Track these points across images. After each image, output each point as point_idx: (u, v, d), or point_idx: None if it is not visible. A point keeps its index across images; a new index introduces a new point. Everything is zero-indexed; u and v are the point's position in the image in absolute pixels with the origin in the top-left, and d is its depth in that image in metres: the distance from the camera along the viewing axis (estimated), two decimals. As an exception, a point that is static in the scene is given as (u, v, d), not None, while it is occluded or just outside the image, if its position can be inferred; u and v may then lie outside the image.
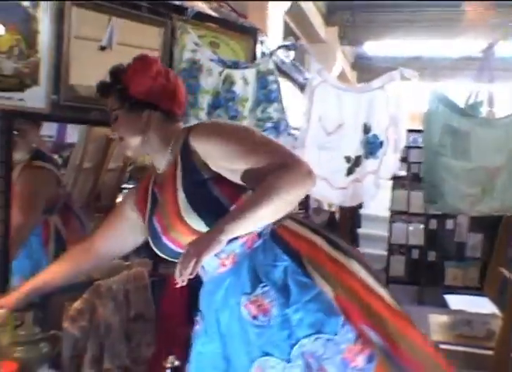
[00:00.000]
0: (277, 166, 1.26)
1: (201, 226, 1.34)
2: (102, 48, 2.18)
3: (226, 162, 1.33)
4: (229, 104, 2.31)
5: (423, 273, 5.00)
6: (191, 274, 1.22)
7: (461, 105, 2.64)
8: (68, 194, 2.64)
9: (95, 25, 2.13)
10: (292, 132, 2.50)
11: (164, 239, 1.45)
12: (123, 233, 1.64)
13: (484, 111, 2.77)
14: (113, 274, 2.16)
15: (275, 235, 1.39)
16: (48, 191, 2.46)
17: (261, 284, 1.33)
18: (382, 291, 1.37)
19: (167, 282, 2.28)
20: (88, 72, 2.14)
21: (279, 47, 2.46)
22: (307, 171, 1.27)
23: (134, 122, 1.45)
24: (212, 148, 1.35)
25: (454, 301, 2.87)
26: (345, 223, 4.16)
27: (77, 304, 1.99)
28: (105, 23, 2.13)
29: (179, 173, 1.40)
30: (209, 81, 2.29)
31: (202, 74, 2.28)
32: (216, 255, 1.31)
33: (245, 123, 2.34)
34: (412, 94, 2.50)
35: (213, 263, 1.38)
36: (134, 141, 1.47)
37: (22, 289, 1.63)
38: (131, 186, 3.81)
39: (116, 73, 1.50)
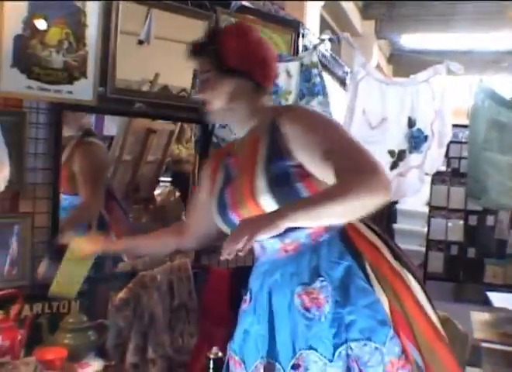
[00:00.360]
0: (361, 170, 1.22)
1: (273, 209, 1.30)
2: (140, 42, 2.21)
3: (312, 152, 1.30)
4: (272, 97, 2.31)
5: (462, 269, 4.93)
6: (239, 251, 1.17)
7: (508, 98, 2.59)
8: (109, 184, 2.70)
9: (141, 20, 2.16)
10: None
11: (231, 214, 1.41)
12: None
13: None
14: (157, 265, 2.19)
15: (343, 233, 1.36)
16: (106, 164, 2.59)
17: (320, 278, 1.31)
18: (429, 308, 1.35)
19: (210, 273, 2.32)
20: (132, 66, 2.18)
21: (322, 40, 2.44)
22: (386, 184, 1.22)
23: (224, 87, 1.41)
24: (303, 135, 1.32)
25: (497, 299, 2.81)
26: (381, 218, 4.12)
27: (122, 294, 2.02)
28: (142, 18, 2.16)
29: (262, 152, 1.36)
30: (253, 74, 2.29)
31: (245, 67, 2.28)
32: (279, 239, 1.31)
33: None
34: (456, 88, 2.46)
35: (275, 246, 1.36)
36: (219, 106, 1.42)
37: (116, 241, 1.72)
38: (168, 178, 3.90)
39: (213, 34, 1.46)
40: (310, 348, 1.28)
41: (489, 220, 4.73)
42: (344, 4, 6.67)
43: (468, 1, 6.88)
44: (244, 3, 2.81)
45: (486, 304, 3.00)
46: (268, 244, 1.37)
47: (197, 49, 1.44)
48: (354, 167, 1.23)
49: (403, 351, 1.28)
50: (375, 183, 1.20)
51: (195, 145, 2.48)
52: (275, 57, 1.48)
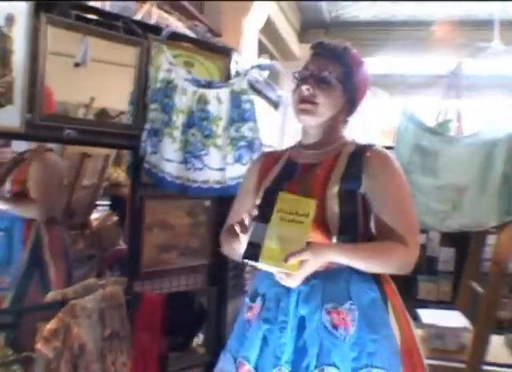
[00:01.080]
0: (406, 242, 1.37)
1: (332, 223, 1.40)
2: (77, 64, 2.19)
3: (384, 202, 1.43)
4: (203, 123, 2.34)
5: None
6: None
7: (431, 123, 2.71)
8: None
9: (71, 43, 2.14)
10: (266, 149, 2.53)
11: None
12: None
13: (453, 128, 2.84)
14: (88, 293, 2.16)
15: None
16: (60, 173, 2.77)
17: (350, 301, 1.38)
18: (419, 345, 1.49)
19: (142, 300, 2.29)
20: (64, 90, 2.16)
21: (252, 67, 2.49)
22: (415, 260, 1.41)
23: (339, 101, 1.49)
24: (380, 182, 1.44)
25: (427, 315, 2.91)
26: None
27: (50, 325, 1.97)
28: (79, 40, 2.14)
29: (340, 169, 1.45)
30: (184, 101, 2.31)
31: (176, 93, 2.30)
32: None
33: (219, 142, 2.36)
34: (383, 111, 2.56)
35: None
36: (325, 114, 1.49)
37: None
38: (105, 203, 3.83)
39: (348, 50, 1.51)
40: (333, 365, 1.33)
41: (421, 238, 4.86)
42: (281, 28, 6.81)
43: (400, 27, 7.21)
44: (177, 29, 2.84)
45: (419, 320, 3.09)
46: None
47: (338, 52, 1.48)
48: (407, 238, 1.37)
49: None
50: (412, 260, 1.40)
51: (127, 171, 2.46)
52: None
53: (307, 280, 1.38)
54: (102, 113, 2.35)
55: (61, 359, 1.97)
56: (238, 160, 2.35)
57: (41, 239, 2.60)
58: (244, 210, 1.49)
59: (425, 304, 4.49)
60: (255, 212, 1.35)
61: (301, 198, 1.34)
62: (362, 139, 2.52)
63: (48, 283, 2.58)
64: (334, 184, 1.42)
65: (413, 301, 4.85)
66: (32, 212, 2.58)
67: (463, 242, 4.68)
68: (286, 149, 1.66)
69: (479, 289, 2.72)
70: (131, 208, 2.37)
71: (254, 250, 1.27)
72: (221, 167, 2.37)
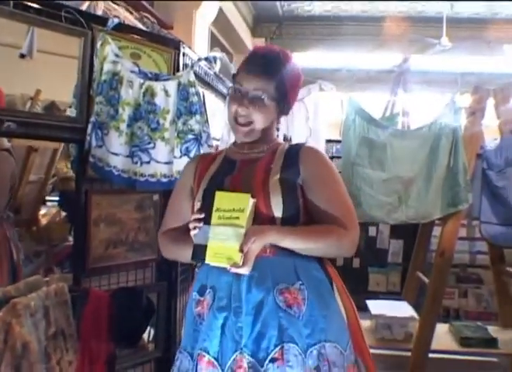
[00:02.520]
0: (348, 226, 1.45)
1: (276, 209, 1.45)
2: (22, 56, 2.12)
3: (320, 194, 1.50)
4: (150, 116, 2.30)
5: (348, 279, 5.11)
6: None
7: (378, 116, 2.75)
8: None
9: (14, 33, 2.07)
10: (214, 143, 2.52)
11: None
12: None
13: (399, 122, 2.89)
14: (31, 291, 2.09)
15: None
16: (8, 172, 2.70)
17: (300, 282, 1.45)
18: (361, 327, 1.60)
19: (89, 297, 2.24)
20: (15, 80, 2.10)
21: (199, 59, 2.46)
22: (356, 243, 1.49)
23: (272, 110, 1.56)
24: (315, 172, 1.52)
25: (375, 306, 2.96)
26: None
27: (-10, 325, 1.90)
28: (24, 30, 2.07)
29: (279, 161, 1.53)
30: (130, 93, 2.27)
31: (122, 85, 2.26)
32: None
33: (166, 135, 2.33)
34: (332, 104, 2.58)
35: None
36: (260, 129, 1.56)
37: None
38: (55, 198, 3.73)
39: (281, 65, 1.55)
40: (292, 341, 1.39)
41: (371, 231, 4.98)
42: (234, 22, 6.79)
43: (351, 22, 7.30)
44: (125, 20, 2.79)
45: (367, 311, 3.14)
46: None
47: (268, 71, 1.52)
48: (344, 221, 1.46)
49: (356, 360, 1.48)
50: (351, 241, 1.47)
51: (71, 165, 2.40)
52: None
53: (255, 266, 1.42)
54: (51, 106, 2.29)
55: (2, 360, 1.90)
56: (185, 153, 2.33)
57: (5, 231, 2.59)
58: (181, 212, 1.62)
59: (376, 296, 4.60)
60: (194, 213, 1.46)
61: (237, 194, 1.41)
62: (308, 132, 2.58)
63: (18, 273, 2.53)
64: (275, 173, 1.49)
65: (363, 292, 4.97)
66: None
67: (412, 234, 4.81)
68: (221, 151, 1.73)
69: (425, 279, 2.78)
70: (77, 203, 2.31)
71: (200, 251, 1.38)
72: (168, 160, 2.34)
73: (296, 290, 1.44)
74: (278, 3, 7.26)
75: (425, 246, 3.07)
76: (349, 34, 7.57)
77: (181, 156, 2.33)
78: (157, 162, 2.32)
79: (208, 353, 1.44)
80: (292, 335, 1.39)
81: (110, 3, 3.10)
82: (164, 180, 2.34)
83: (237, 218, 1.37)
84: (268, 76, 1.51)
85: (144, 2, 4.63)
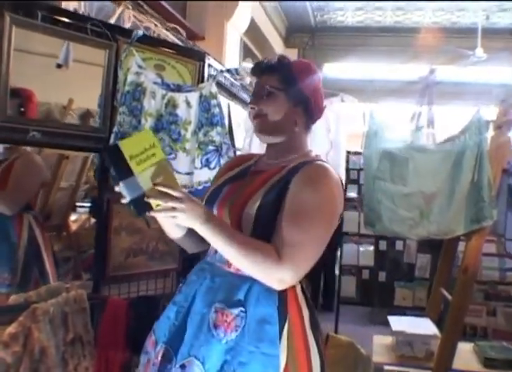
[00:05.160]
0: (281, 254, 1.30)
1: (246, 222, 1.39)
2: (59, 66, 2.18)
3: (286, 206, 1.37)
4: (171, 126, 2.33)
5: (374, 293, 5.06)
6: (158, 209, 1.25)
7: (403, 129, 2.71)
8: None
9: (39, 42, 2.12)
10: (238, 153, 2.53)
11: (215, 206, 1.49)
12: None
13: (424, 135, 2.84)
14: (52, 297, 2.13)
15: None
16: (39, 172, 2.76)
17: (241, 308, 1.36)
18: None
19: (107, 305, 2.27)
20: (40, 90, 2.15)
21: (221, 71, 2.49)
22: (284, 281, 1.31)
23: (284, 104, 1.49)
24: (296, 193, 1.38)
25: (397, 322, 2.91)
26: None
27: (11, 329, 1.94)
28: (47, 41, 2.12)
29: (272, 181, 1.44)
30: (153, 104, 2.30)
31: (145, 96, 2.29)
32: None
33: (188, 146, 2.35)
34: (355, 116, 2.56)
35: (224, 257, 1.40)
36: (275, 124, 1.49)
37: None
38: (87, 204, 3.80)
39: (283, 59, 1.53)
40: (199, 359, 1.33)
41: (398, 245, 4.90)
42: (266, 32, 6.83)
43: (384, 33, 7.25)
44: (151, 33, 2.84)
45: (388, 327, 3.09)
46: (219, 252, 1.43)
47: (267, 68, 1.52)
48: (284, 251, 1.30)
49: None
50: (279, 275, 1.30)
51: (94, 174, 2.45)
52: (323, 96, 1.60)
53: (213, 277, 1.43)
54: (87, 114, 2.34)
55: (21, 364, 1.94)
56: (206, 164, 2.34)
57: (35, 235, 2.64)
58: None
59: (402, 311, 4.53)
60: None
61: (137, 135, 1.35)
62: (329, 144, 2.55)
63: (46, 277, 2.61)
64: (260, 194, 1.41)
65: (389, 306, 4.90)
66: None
67: (439, 249, 4.73)
68: (259, 155, 1.67)
69: (449, 296, 2.72)
70: (98, 212, 2.35)
71: (140, 204, 1.26)
72: (189, 171, 2.36)
73: (232, 315, 1.35)
74: (310, 13, 7.27)
75: (450, 262, 3.00)
76: (382, 45, 7.53)
77: (201, 167, 2.35)
78: (178, 172, 2.35)
79: (154, 334, 1.50)
80: (203, 353, 1.34)
81: (139, 15, 3.17)
82: (185, 191, 2.36)
83: (154, 154, 1.30)
84: (270, 71, 1.52)
85: (176, 13, 4.71)
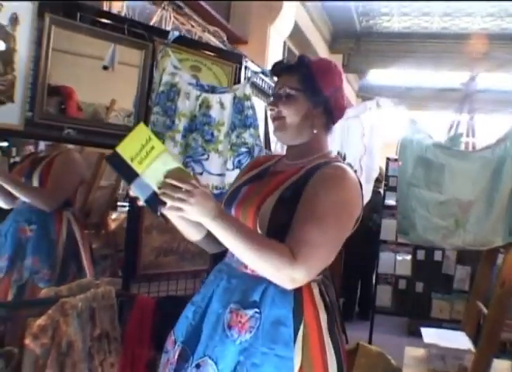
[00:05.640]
0: (296, 253, 1.27)
1: (261, 222, 1.37)
2: (105, 67, 2.23)
3: (301, 205, 1.35)
4: (205, 127, 2.33)
5: (410, 304, 4.94)
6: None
7: (442, 136, 2.64)
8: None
9: (75, 43, 2.16)
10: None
11: (232, 208, 1.48)
12: None
13: (463, 142, 2.76)
14: (82, 292, 2.16)
15: (298, 288, 1.36)
16: (79, 170, 2.82)
17: (256, 309, 1.35)
18: None
19: (135, 302, 2.29)
20: (95, 90, 2.21)
21: (255, 73, 2.48)
22: (296, 281, 1.28)
23: (304, 107, 1.48)
24: (312, 194, 1.36)
25: (430, 335, 2.82)
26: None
27: (40, 321, 1.98)
28: (83, 40, 2.16)
29: (289, 182, 1.43)
30: (187, 104, 2.31)
31: (179, 97, 2.30)
32: None
33: (220, 147, 2.35)
34: (387, 121, 2.51)
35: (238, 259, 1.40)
36: (295, 126, 1.48)
37: None
38: (126, 204, 3.85)
39: (303, 59, 1.51)
40: (213, 359, 1.34)
41: (437, 255, 4.77)
42: (310, 36, 6.79)
43: (430, 40, 7.11)
44: (184, 34, 2.85)
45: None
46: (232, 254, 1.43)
47: (286, 68, 1.51)
48: (298, 250, 1.27)
49: None
50: (293, 275, 1.26)
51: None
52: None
53: (230, 278, 1.43)
54: (131, 115, 2.37)
55: (48, 356, 1.97)
56: (238, 166, 2.34)
57: (74, 231, 2.68)
58: None
59: (439, 323, 4.41)
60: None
61: (131, 134, 1.28)
62: (363, 149, 2.51)
63: (84, 274, 2.64)
64: (277, 194, 1.40)
65: (425, 318, 4.77)
66: (38, 201, 2.61)
67: (479, 260, 4.58)
68: (280, 156, 1.66)
69: (485, 310, 2.63)
70: (130, 210, 2.38)
71: (155, 203, 1.24)
72: (221, 172, 2.36)
73: (246, 316, 1.34)
74: (356, 18, 7.19)
75: (488, 274, 2.89)
76: (427, 52, 7.38)
77: (233, 169, 2.34)
78: (210, 173, 2.35)
79: (174, 334, 1.51)
80: (216, 353, 1.34)
81: (179, 17, 3.20)
82: (216, 192, 2.36)
83: (153, 147, 1.25)
84: (289, 72, 1.49)
85: (219, 17, 4.73)
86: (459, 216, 2.38)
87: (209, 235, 1.44)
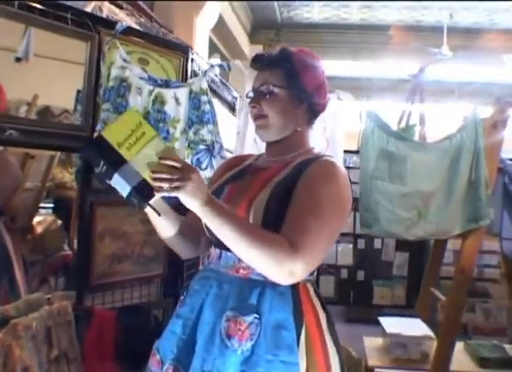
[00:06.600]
0: (294, 243, 1.21)
1: (254, 220, 1.30)
2: (18, 59, 2.01)
3: (294, 197, 1.30)
4: (159, 125, 2.19)
5: (352, 292, 5.03)
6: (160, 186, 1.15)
7: (394, 127, 2.65)
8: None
9: (13, 34, 1.95)
10: (226, 154, 2.40)
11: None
12: None
13: (416, 133, 2.79)
14: (32, 310, 1.96)
15: (295, 287, 1.31)
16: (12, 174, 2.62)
17: (255, 315, 1.28)
18: None
19: (93, 316, 2.12)
20: (10, 85, 1.98)
21: (212, 66, 2.35)
22: (296, 274, 1.22)
23: (287, 104, 1.41)
24: (306, 186, 1.31)
25: (389, 324, 2.85)
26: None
27: (-12, 347, 1.77)
28: (21, 33, 1.96)
29: (279, 177, 1.37)
30: (139, 100, 2.16)
31: (130, 92, 2.15)
32: (239, 258, 1.31)
33: (177, 145, 2.22)
34: (348, 113, 2.48)
35: (230, 261, 1.36)
36: (278, 125, 1.42)
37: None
38: (48, 205, 3.62)
39: (286, 53, 1.43)
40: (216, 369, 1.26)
41: (377, 243, 4.88)
42: (232, 28, 6.72)
43: (351, 31, 7.26)
44: (131, 25, 2.67)
45: (376, 325, 3.03)
46: (225, 254, 1.37)
47: (268, 62, 1.43)
48: (297, 240, 1.22)
49: None
50: (293, 265, 1.20)
51: (75, 175, 2.28)
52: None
53: (220, 284, 1.35)
54: (45, 111, 2.19)
55: (1, 386, 1.77)
56: (197, 164, 2.22)
57: (5, 241, 2.48)
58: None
59: (380, 309, 4.52)
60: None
61: (120, 119, 1.21)
62: (325, 142, 2.47)
63: (17, 288, 2.43)
64: (267, 190, 1.34)
65: (367, 305, 4.89)
66: None
67: (417, 246, 4.74)
68: (257, 155, 1.61)
69: (441, 296, 2.68)
70: (81, 216, 2.19)
71: (142, 191, 1.16)
72: (178, 171, 2.22)
73: (247, 322, 1.27)
74: (276, 9, 7.19)
75: (439, 261, 2.97)
76: (347, 42, 7.53)
77: (192, 168, 2.22)
78: (167, 173, 2.21)
79: (158, 352, 1.40)
80: (218, 367, 1.26)
81: (113, 7, 3.00)
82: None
83: (143, 133, 1.17)
84: (272, 67, 1.42)
85: (145, 7, 4.53)
86: (421, 207, 2.39)
87: (183, 235, 1.46)
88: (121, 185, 1.17)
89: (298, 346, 1.27)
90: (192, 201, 1.17)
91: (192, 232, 1.50)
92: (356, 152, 3.06)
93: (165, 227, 1.43)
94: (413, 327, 2.78)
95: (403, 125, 2.84)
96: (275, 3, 6.97)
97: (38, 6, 1.97)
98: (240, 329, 1.26)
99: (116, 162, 1.15)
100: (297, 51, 1.45)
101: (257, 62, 1.46)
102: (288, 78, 1.40)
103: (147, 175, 1.15)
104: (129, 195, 1.17)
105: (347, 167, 4.47)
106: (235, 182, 1.46)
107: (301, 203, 1.28)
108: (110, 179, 1.17)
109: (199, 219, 1.25)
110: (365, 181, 2.39)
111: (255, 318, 1.27)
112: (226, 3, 6.19)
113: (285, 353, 1.25)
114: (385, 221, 2.37)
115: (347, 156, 3.90)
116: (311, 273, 1.34)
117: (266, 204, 1.31)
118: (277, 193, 1.32)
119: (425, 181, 2.40)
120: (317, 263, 1.28)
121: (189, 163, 2.23)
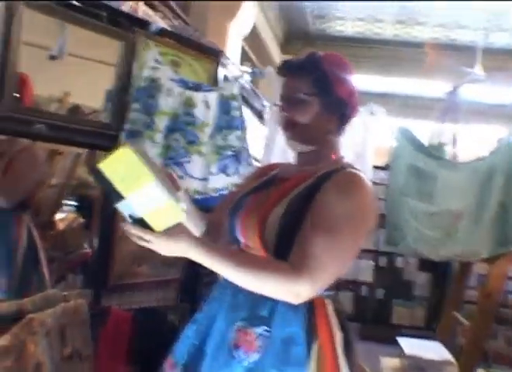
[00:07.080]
0: (298, 267, 1.17)
1: (269, 231, 1.27)
2: (52, 57, 2.02)
3: (310, 215, 1.24)
4: (188, 128, 2.16)
5: (369, 310, 4.94)
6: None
7: (426, 145, 2.59)
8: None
9: (47, 32, 1.96)
10: (254, 162, 2.37)
11: (237, 219, 1.39)
12: None
13: (448, 152, 2.73)
14: (48, 306, 1.95)
15: (309, 302, 1.26)
16: (37, 169, 2.58)
17: (265, 327, 1.25)
18: None
19: (109, 316, 2.10)
20: (43, 82, 1.99)
21: (245, 72, 2.34)
22: (301, 296, 1.19)
23: (320, 115, 1.36)
24: (322, 202, 1.25)
25: (408, 345, 2.78)
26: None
27: (3, 341, 1.75)
28: (57, 31, 1.97)
29: (299, 189, 1.31)
30: (169, 102, 2.14)
31: (160, 93, 2.13)
32: None
33: (204, 150, 2.19)
34: (379, 129, 2.43)
35: None
36: (308, 134, 1.37)
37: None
38: (71, 203, 3.64)
39: (315, 58, 1.36)
40: None
41: (399, 261, 4.79)
42: (265, 37, 6.72)
43: (388, 46, 7.20)
44: (166, 27, 2.67)
45: (392, 344, 2.96)
46: None
47: (298, 69, 1.36)
48: (302, 263, 1.17)
49: None
50: (296, 288, 1.17)
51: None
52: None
53: (236, 294, 1.32)
54: (76, 109, 2.18)
55: (12, 381, 1.75)
56: (223, 170, 2.19)
57: (34, 237, 2.48)
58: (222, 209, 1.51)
59: (398, 330, 4.42)
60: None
61: (115, 153, 1.13)
62: (355, 156, 2.42)
63: (44, 284, 2.43)
64: (284, 203, 1.29)
65: (385, 324, 4.79)
66: None
67: (440, 267, 4.64)
68: (286, 164, 1.58)
69: (465, 321, 2.60)
70: (104, 216, 2.18)
71: (143, 224, 1.15)
72: (203, 176, 2.20)
73: (255, 334, 1.24)
74: (310, 21, 7.18)
75: (464, 284, 2.89)
76: (379, 57, 7.47)
77: (217, 173, 2.19)
78: (192, 177, 2.19)
79: (173, 356, 1.39)
80: None
81: (147, 9, 3.01)
82: (197, 197, 2.19)
83: (139, 176, 1.12)
84: (301, 73, 1.36)
85: (179, 11, 4.56)
86: (449, 227, 2.33)
87: (210, 234, 1.47)
88: (123, 213, 1.16)
89: (308, 362, 1.23)
90: (172, 253, 1.19)
91: (219, 234, 1.49)
92: (382, 168, 3.01)
93: (192, 228, 1.39)
94: (432, 350, 2.71)
95: (434, 143, 2.78)
96: (309, 15, 6.95)
97: (75, 3, 1.97)
98: (247, 340, 1.24)
99: (116, 193, 1.13)
100: (326, 56, 1.38)
101: (286, 68, 1.41)
102: (318, 85, 1.35)
103: (146, 216, 1.14)
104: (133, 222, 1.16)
105: (374, 183, 4.44)
106: (258, 193, 1.42)
107: (316, 219, 1.23)
108: (115, 204, 1.16)
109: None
110: (393, 198, 2.34)
111: (265, 330, 1.24)
112: (259, 12, 6.20)
113: (292, 369, 1.22)
114: (412, 239, 2.31)
115: (374, 171, 3.84)
116: (327, 289, 1.29)
117: (281, 217, 1.27)
118: (294, 205, 1.28)
119: (454, 201, 2.35)
120: (327, 282, 1.23)
121: (215, 168, 2.21)
